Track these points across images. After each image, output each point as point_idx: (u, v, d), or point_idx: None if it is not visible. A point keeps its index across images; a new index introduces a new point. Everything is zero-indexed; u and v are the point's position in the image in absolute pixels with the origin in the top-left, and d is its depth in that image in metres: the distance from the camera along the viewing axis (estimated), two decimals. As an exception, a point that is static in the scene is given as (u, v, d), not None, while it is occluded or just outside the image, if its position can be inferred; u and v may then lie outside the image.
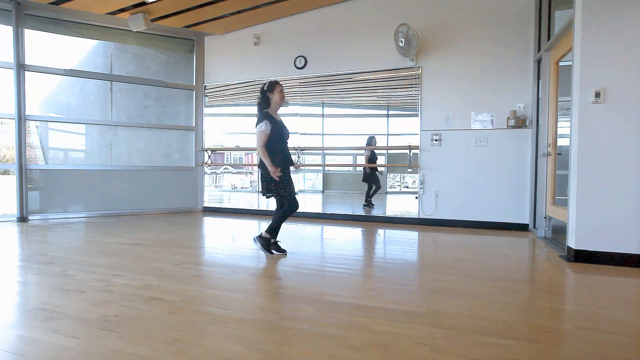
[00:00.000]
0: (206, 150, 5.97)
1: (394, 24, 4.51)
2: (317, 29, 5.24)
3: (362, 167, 5.44)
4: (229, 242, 3.76)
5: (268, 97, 3.05)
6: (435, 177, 4.67)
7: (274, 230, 3.06)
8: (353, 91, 5.22)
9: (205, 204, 6.10)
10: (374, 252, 3.39)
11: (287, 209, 3.04)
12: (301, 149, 5.44)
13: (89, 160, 5.50)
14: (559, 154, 3.76)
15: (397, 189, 5.42)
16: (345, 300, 2.07)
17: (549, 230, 3.94)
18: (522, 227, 4.34)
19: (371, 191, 5.38)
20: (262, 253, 3.12)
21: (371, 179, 5.37)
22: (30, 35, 4.99)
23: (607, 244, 2.88)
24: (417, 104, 4.75)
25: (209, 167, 6.14)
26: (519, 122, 4.25)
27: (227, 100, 6.02)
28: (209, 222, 5.06)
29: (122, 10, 4.95)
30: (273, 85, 3.06)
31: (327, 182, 5.77)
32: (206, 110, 6.07)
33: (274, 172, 2.90)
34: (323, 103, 5.47)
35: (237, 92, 5.86)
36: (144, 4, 4.81)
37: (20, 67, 4.88)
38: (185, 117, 6.04)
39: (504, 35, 4.35)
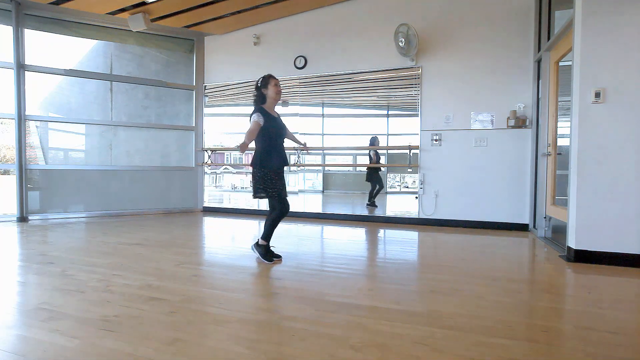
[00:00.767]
0: (206, 150, 5.97)
1: (394, 24, 4.51)
2: (317, 29, 5.24)
3: (366, 167, 5.44)
4: (229, 242, 3.76)
5: (263, 93, 2.88)
6: (435, 177, 4.67)
7: (268, 235, 2.91)
8: (353, 91, 5.22)
9: (205, 204, 6.10)
10: (374, 252, 3.39)
11: (278, 213, 2.89)
12: (301, 149, 5.43)
13: (89, 160, 5.50)
14: (559, 154, 3.76)
15: (397, 189, 5.42)
16: (345, 300, 2.07)
17: (549, 230, 3.94)
18: (522, 227, 4.34)
19: (374, 191, 5.38)
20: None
21: (374, 179, 5.37)
22: (30, 35, 4.99)
23: (607, 244, 2.88)
24: (417, 104, 4.75)
25: (209, 167, 6.14)
26: (519, 122, 4.25)
27: (227, 100, 6.02)
28: (209, 222, 5.06)
29: (122, 10, 4.95)
30: (267, 79, 2.88)
31: (327, 182, 5.77)
32: (206, 110, 6.07)
33: (243, 147, 2.60)
34: (323, 103, 5.47)
35: (237, 92, 5.86)
36: (144, 4, 4.81)
37: (20, 67, 4.88)
38: (185, 117, 6.04)
39: (504, 35, 4.35)
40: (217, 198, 6.34)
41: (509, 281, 2.45)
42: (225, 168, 6.40)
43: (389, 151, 5.24)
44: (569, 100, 3.08)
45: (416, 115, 4.75)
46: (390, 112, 5.16)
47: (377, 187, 5.35)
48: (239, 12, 5.21)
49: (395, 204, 5.34)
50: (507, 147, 4.37)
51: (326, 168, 5.74)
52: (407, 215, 4.91)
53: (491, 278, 2.51)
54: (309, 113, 5.55)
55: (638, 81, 2.79)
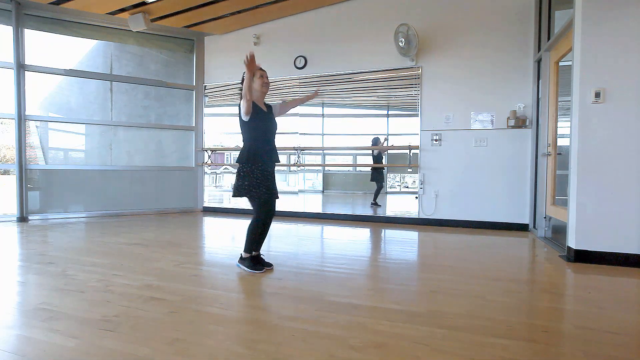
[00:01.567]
0: (206, 150, 5.97)
1: (394, 24, 4.51)
2: (317, 29, 5.24)
3: (370, 167, 5.44)
4: (229, 242, 3.76)
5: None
6: (435, 177, 4.67)
7: (250, 246, 2.65)
8: (353, 91, 5.22)
9: (205, 204, 6.10)
10: (374, 252, 3.39)
11: (259, 219, 2.60)
12: (301, 149, 5.44)
13: (89, 160, 5.49)
14: (559, 154, 3.76)
15: (397, 189, 5.42)
16: (345, 300, 2.07)
17: (549, 230, 3.94)
18: (522, 227, 4.34)
19: (377, 190, 5.39)
20: (262, 253, 3.11)
21: (377, 179, 5.37)
22: (30, 35, 4.99)
23: (607, 244, 2.88)
24: (417, 104, 4.75)
25: (209, 167, 6.14)
26: (519, 122, 4.25)
27: (227, 100, 6.02)
28: (209, 222, 5.05)
29: (122, 10, 4.95)
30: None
31: (327, 182, 5.77)
32: (206, 110, 6.07)
33: (251, 62, 2.34)
34: (323, 103, 5.47)
35: (237, 92, 5.85)
36: (144, 4, 4.81)
37: (20, 67, 4.88)
38: (185, 117, 6.04)
39: (504, 35, 4.35)
40: (217, 198, 6.34)
41: (509, 281, 2.45)
42: (225, 168, 6.40)
43: (389, 151, 5.24)
44: (569, 100, 3.08)
45: (416, 115, 4.75)
46: (390, 112, 5.16)
47: (377, 186, 5.36)
48: (239, 12, 5.21)
49: (395, 204, 5.34)
50: (507, 147, 4.37)
51: (326, 168, 5.74)
52: (407, 215, 4.91)
53: (491, 278, 2.51)
54: (309, 113, 5.55)
55: (638, 81, 2.79)
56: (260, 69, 2.65)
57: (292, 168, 5.67)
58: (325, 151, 5.61)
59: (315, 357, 1.45)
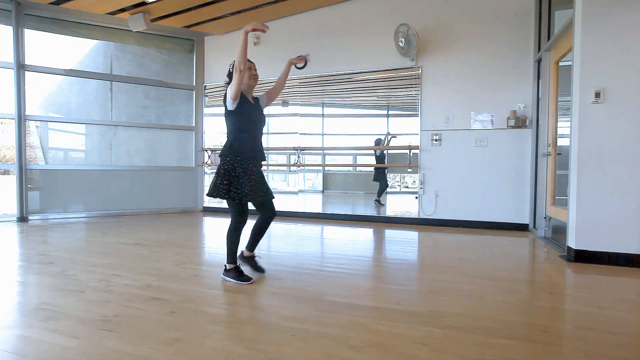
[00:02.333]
0: (206, 150, 5.97)
1: (394, 24, 4.51)
2: (317, 29, 5.24)
3: (369, 167, 5.45)
4: (229, 242, 3.76)
5: None
6: (435, 177, 4.67)
7: (233, 256, 2.44)
8: (353, 91, 5.22)
9: (205, 204, 6.10)
10: (374, 252, 3.39)
11: (234, 223, 2.42)
12: (301, 149, 5.44)
13: (89, 160, 5.50)
14: (559, 154, 3.76)
15: (397, 189, 5.41)
16: (345, 300, 2.07)
17: (549, 230, 3.94)
18: (522, 227, 4.33)
19: (380, 190, 5.39)
20: (262, 253, 3.11)
21: (379, 178, 5.37)
22: (30, 35, 4.99)
23: (607, 244, 2.88)
24: (417, 104, 4.75)
25: (209, 167, 6.14)
26: (519, 122, 4.24)
27: (227, 100, 6.01)
28: (209, 222, 5.05)
29: (122, 10, 4.95)
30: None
31: (327, 182, 5.77)
32: (206, 110, 6.07)
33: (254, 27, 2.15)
34: (323, 103, 5.47)
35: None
36: (144, 4, 4.81)
37: (20, 67, 4.88)
38: (185, 117, 6.04)
39: (504, 35, 4.35)
40: (217, 198, 6.33)
41: (509, 281, 2.45)
42: (225, 168, 6.39)
43: (389, 151, 5.24)
44: (569, 100, 3.08)
45: (416, 115, 4.75)
46: (390, 112, 5.16)
47: (380, 186, 5.36)
48: (239, 12, 5.21)
49: (395, 204, 5.34)
50: (507, 147, 4.37)
51: (326, 168, 5.74)
52: (407, 215, 4.91)
53: (491, 278, 2.51)
54: (309, 113, 5.55)
55: (638, 81, 2.79)
56: (249, 60, 2.40)
57: (292, 168, 5.67)
58: (325, 151, 5.61)
59: (315, 357, 1.45)
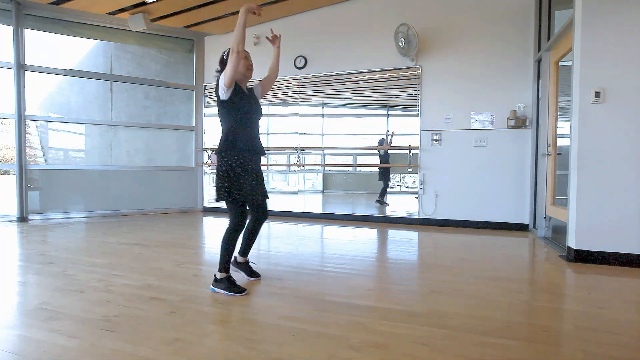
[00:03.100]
0: (206, 150, 5.97)
1: (394, 24, 4.51)
2: (317, 29, 5.24)
3: (378, 167, 5.44)
4: (229, 242, 3.76)
5: None
6: (435, 177, 4.67)
7: (226, 263, 2.22)
8: (353, 91, 5.22)
9: (205, 204, 6.10)
10: (374, 252, 3.38)
11: (232, 226, 2.21)
12: (301, 149, 5.44)
13: (89, 160, 5.50)
14: (559, 154, 3.76)
15: (397, 189, 5.41)
16: (345, 300, 2.07)
17: (549, 230, 3.94)
18: (522, 227, 4.33)
19: (383, 189, 5.38)
20: (262, 253, 3.11)
21: (382, 178, 5.36)
22: (30, 35, 4.99)
23: (607, 244, 2.88)
24: (417, 104, 4.75)
25: (209, 167, 6.14)
26: (519, 122, 4.24)
27: (227, 100, 6.01)
28: (208, 222, 5.05)
29: (122, 10, 4.95)
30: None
31: (327, 182, 5.76)
32: (206, 110, 6.07)
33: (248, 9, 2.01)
34: (323, 103, 5.46)
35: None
36: (144, 4, 4.81)
37: (20, 67, 4.88)
38: (185, 117, 6.04)
39: (504, 35, 4.35)
40: (217, 198, 6.33)
41: (509, 281, 2.45)
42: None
43: (389, 151, 5.24)
44: (569, 100, 3.08)
45: (416, 115, 4.75)
46: (390, 112, 5.16)
47: (383, 185, 5.36)
48: (238, 12, 5.20)
49: (395, 204, 5.33)
50: (507, 147, 4.37)
51: (326, 168, 5.74)
52: (407, 215, 4.91)
53: (491, 278, 2.51)
54: (309, 113, 5.55)
55: (638, 81, 2.80)
56: (245, 50, 2.27)
57: (292, 168, 5.67)
58: (325, 151, 5.61)
59: (315, 357, 1.45)
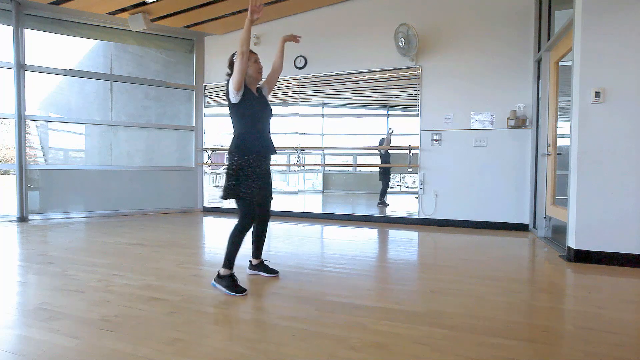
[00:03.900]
0: (206, 150, 5.97)
1: (394, 24, 4.51)
2: (317, 29, 5.24)
3: (378, 167, 5.44)
4: (229, 242, 3.76)
5: None
6: (435, 177, 4.67)
7: (231, 260, 2.24)
8: (353, 91, 5.22)
9: (205, 204, 6.10)
10: (374, 252, 3.38)
11: (241, 224, 2.25)
12: (301, 149, 5.44)
13: (89, 160, 5.50)
14: (559, 154, 3.76)
15: (397, 189, 5.41)
16: (345, 300, 2.07)
17: (549, 230, 3.94)
18: (522, 227, 4.33)
19: (383, 190, 5.38)
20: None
21: (382, 178, 5.36)
22: (30, 35, 4.99)
23: (607, 244, 2.88)
24: (417, 104, 4.75)
25: (209, 167, 6.14)
26: (519, 122, 4.24)
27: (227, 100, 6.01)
28: (209, 222, 5.05)
29: (122, 10, 4.95)
30: None
31: (327, 182, 5.76)
32: (206, 110, 6.07)
33: (253, 10, 2.09)
34: (323, 103, 5.46)
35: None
36: (144, 4, 4.80)
37: (20, 67, 4.88)
38: (185, 117, 6.04)
39: (504, 35, 4.35)
40: (217, 198, 6.34)
41: (509, 281, 2.45)
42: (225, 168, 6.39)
43: (389, 151, 5.24)
44: (569, 100, 3.08)
45: (416, 115, 4.75)
46: (390, 112, 5.16)
47: (382, 186, 5.35)
48: (239, 12, 5.21)
49: (395, 204, 5.33)
50: (507, 147, 4.37)
51: (326, 168, 5.74)
52: (407, 215, 4.91)
53: (491, 278, 2.51)
54: (309, 113, 5.55)
55: (638, 81, 2.80)
56: (252, 51, 2.31)
57: (292, 168, 5.67)
58: (325, 151, 5.61)
59: (315, 357, 1.45)
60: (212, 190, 6.32)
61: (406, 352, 1.49)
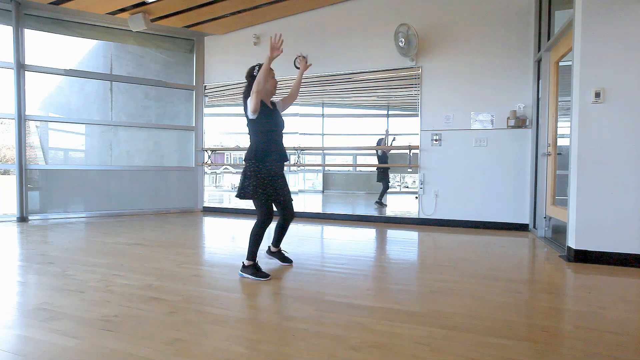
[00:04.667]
0: (206, 150, 5.97)
1: (394, 24, 4.51)
2: (317, 29, 5.24)
3: (376, 168, 5.44)
4: (229, 242, 3.76)
5: None
6: (435, 177, 4.67)
7: (253, 252, 2.54)
8: (353, 91, 5.22)
9: (205, 204, 6.10)
10: (374, 252, 3.39)
11: (260, 221, 2.53)
12: (301, 149, 5.44)
13: (89, 160, 5.50)
14: (559, 154, 3.76)
15: (397, 189, 5.41)
16: (345, 300, 2.07)
17: (549, 230, 3.94)
18: (522, 227, 4.34)
19: (382, 191, 5.38)
20: (262, 252, 3.10)
21: (381, 179, 5.36)
22: (30, 35, 4.99)
23: (607, 244, 2.88)
24: (417, 104, 4.75)
25: (209, 167, 6.14)
26: (519, 122, 4.25)
27: (227, 100, 6.02)
28: (209, 222, 5.05)
29: (122, 10, 4.95)
30: None
31: (327, 182, 5.77)
32: (206, 110, 6.07)
33: (274, 47, 2.37)
34: (323, 103, 5.47)
35: (237, 92, 5.85)
36: (144, 4, 4.81)
37: (20, 67, 4.88)
38: (185, 117, 6.04)
39: (504, 35, 4.35)
40: (217, 198, 6.34)
41: (509, 281, 2.45)
42: (225, 168, 6.40)
43: (389, 151, 5.24)
44: (569, 100, 3.08)
45: (416, 115, 4.75)
46: (390, 112, 5.16)
47: (382, 187, 5.35)
48: (239, 12, 5.21)
49: (395, 204, 5.34)
50: (507, 147, 4.37)
51: (326, 168, 5.74)
52: (407, 215, 4.91)
53: (491, 278, 2.51)
54: (309, 113, 5.55)
55: (638, 81, 2.79)
56: (272, 69, 2.61)
57: (292, 168, 5.67)
58: (325, 151, 5.61)
59: (315, 357, 1.45)
60: (212, 190, 6.33)
61: (406, 352, 1.49)
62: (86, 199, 5.36)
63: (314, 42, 5.25)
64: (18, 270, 2.65)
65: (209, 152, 5.97)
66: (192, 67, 6.01)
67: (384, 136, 5.18)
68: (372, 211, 5.29)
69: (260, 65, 2.52)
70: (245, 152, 2.58)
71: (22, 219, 4.90)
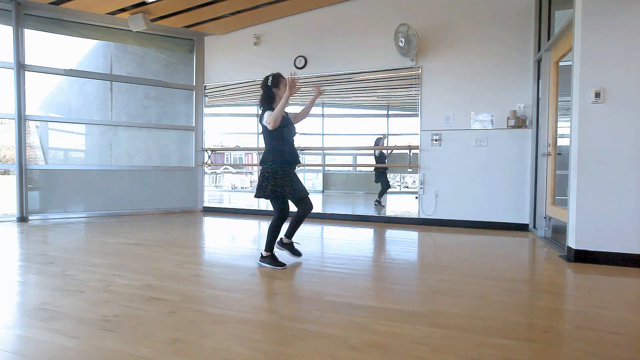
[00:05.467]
0: (206, 150, 5.97)
1: (394, 24, 4.51)
2: (317, 29, 5.24)
3: (373, 168, 5.43)
4: (229, 242, 3.76)
5: (273, 93, 2.80)
6: (435, 177, 4.67)
7: (271, 245, 2.80)
8: (353, 91, 5.22)
9: (205, 204, 6.10)
10: (374, 252, 3.39)
11: (277, 217, 2.78)
12: (301, 149, 5.44)
13: (89, 160, 5.50)
14: (559, 154, 3.76)
15: (397, 189, 5.42)
16: (345, 300, 2.07)
17: (549, 230, 3.94)
18: (522, 227, 4.34)
19: (381, 191, 5.38)
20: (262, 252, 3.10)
21: (379, 179, 5.36)
22: (30, 35, 4.99)
23: (607, 244, 2.88)
24: (417, 104, 4.75)
25: (209, 167, 6.14)
26: (519, 122, 4.24)
27: (227, 100, 6.02)
28: (209, 222, 5.05)
29: (122, 10, 4.95)
30: (278, 79, 2.81)
31: (327, 182, 5.77)
32: (206, 110, 6.07)
33: (292, 86, 2.66)
34: (323, 103, 5.47)
35: (237, 92, 5.86)
36: (144, 4, 4.80)
37: (20, 67, 4.88)
38: (185, 117, 6.04)
39: (504, 35, 4.35)
40: (217, 198, 6.34)
41: (509, 281, 2.45)
42: (225, 168, 6.40)
43: (388, 151, 5.25)
44: (569, 100, 3.08)
45: (416, 115, 4.75)
46: (390, 112, 5.16)
47: (381, 187, 5.35)
48: (239, 12, 5.21)
49: (395, 204, 5.34)
50: (507, 147, 4.37)
51: (326, 168, 5.74)
52: (407, 215, 4.91)
53: (491, 278, 2.51)
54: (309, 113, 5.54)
55: (638, 81, 2.79)
56: (284, 77, 2.85)
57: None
58: (325, 151, 5.61)
59: (315, 357, 1.45)
60: (212, 190, 6.33)
61: (406, 352, 1.49)
62: (86, 199, 5.36)
63: (314, 42, 5.25)
64: (18, 270, 2.65)
65: (209, 152, 5.97)
66: (192, 67, 6.01)
67: (381, 136, 5.18)
68: (372, 211, 5.29)
69: (273, 76, 2.81)
70: (262, 155, 2.80)
71: (22, 219, 4.90)
